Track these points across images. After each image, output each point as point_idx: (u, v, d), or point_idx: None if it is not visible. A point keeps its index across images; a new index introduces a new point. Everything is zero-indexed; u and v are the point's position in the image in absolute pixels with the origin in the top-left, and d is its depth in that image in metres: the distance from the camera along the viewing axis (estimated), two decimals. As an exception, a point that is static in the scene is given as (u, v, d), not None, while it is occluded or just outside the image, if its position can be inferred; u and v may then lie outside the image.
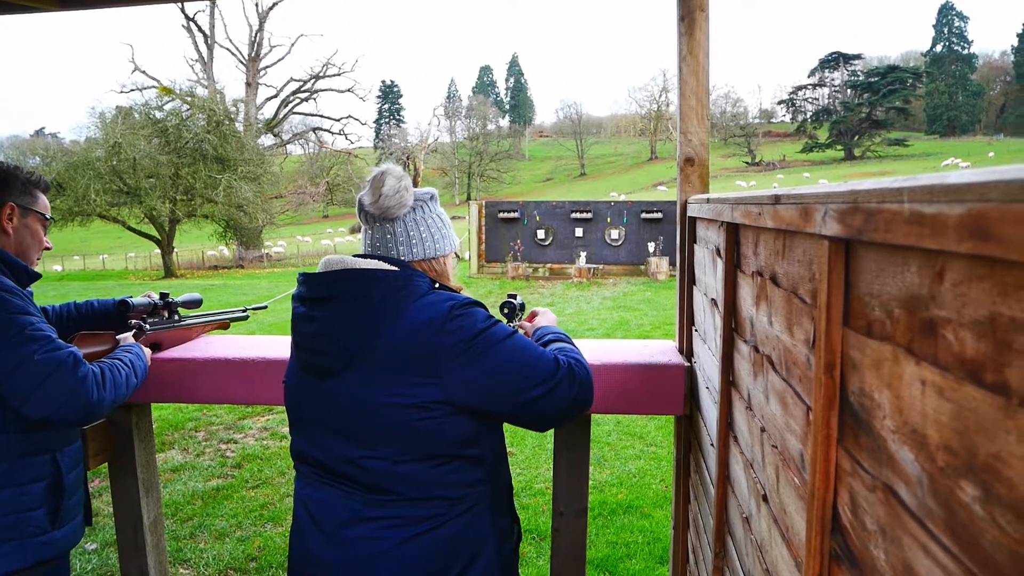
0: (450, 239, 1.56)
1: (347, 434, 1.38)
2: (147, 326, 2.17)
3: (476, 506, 1.43)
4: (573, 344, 1.66)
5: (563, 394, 1.43)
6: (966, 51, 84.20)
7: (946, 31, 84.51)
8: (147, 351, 2.07)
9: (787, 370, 1.07)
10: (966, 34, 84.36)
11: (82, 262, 40.26)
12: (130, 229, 29.67)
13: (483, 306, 1.44)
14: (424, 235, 1.50)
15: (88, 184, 26.26)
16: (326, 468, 1.42)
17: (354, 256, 1.46)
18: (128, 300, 2.12)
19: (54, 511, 1.81)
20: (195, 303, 2.35)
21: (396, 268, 1.42)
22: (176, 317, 2.30)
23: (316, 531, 1.42)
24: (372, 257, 1.46)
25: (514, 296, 2.14)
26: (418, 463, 1.36)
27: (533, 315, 1.97)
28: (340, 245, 42.04)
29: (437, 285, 1.47)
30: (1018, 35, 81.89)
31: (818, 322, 0.86)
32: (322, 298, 1.41)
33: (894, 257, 0.68)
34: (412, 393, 1.33)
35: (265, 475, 4.79)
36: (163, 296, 2.24)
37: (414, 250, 1.49)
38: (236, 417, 6.16)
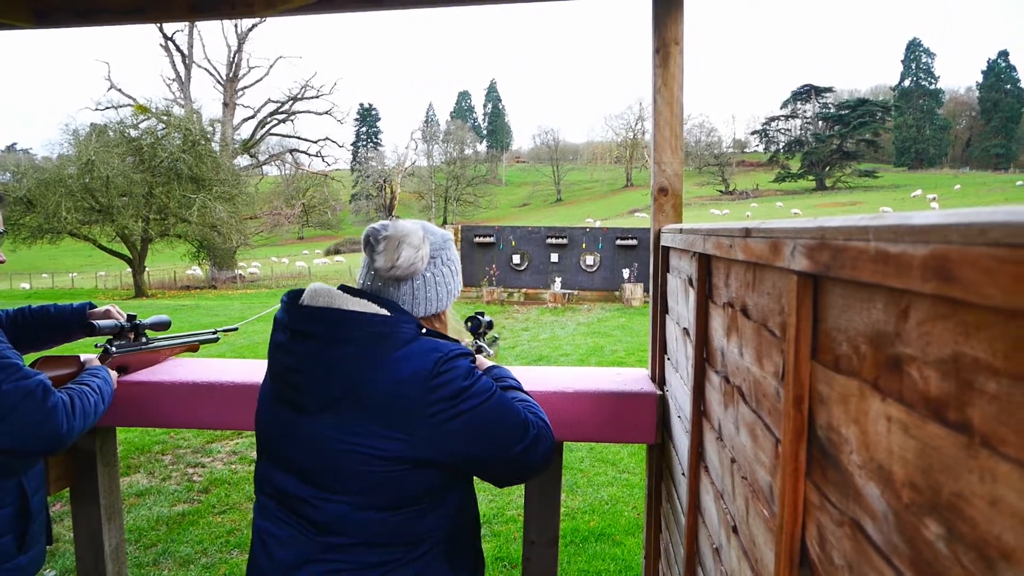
0: (453, 291, 1.54)
1: (308, 473, 1.34)
2: (113, 349, 2.12)
3: (432, 551, 1.37)
4: (527, 393, 1.62)
5: (527, 460, 1.42)
6: (933, 86, 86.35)
7: (914, 67, 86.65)
8: (113, 374, 2.03)
9: (757, 402, 1.07)
10: (933, 70, 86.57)
11: (51, 280, 39.64)
12: (101, 248, 29.31)
13: (470, 354, 1.40)
14: (429, 295, 1.48)
15: (59, 201, 25.94)
16: (282, 502, 1.38)
17: (345, 289, 1.42)
18: (94, 323, 2.06)
19: (21, 536, 1.76)
20: (163, 325, 2.30)
21: (385, 312, 1.36)
22: (143, 340, 2.26)
23: (271, 568, 1.36)
24: (364, 296, 1.42)
25: (481, 314, 2.14)
26: (376, 511, 1.31)
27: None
28: (315, 267, 41.78)
29: (424, 331, 1.40)
30: (983, 72, 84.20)
31: (787, 355, 0.87)
32: (302, 332, 1.35)
33: (861, 294, 0.68)
34: (381, 447, 1.28)
35: (233, 500, 4.70)
36: (130, 318, 2.19)
37: (416, 309, 1.46)
38: (204, 440, 6.06)
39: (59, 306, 2.09)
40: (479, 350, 2.02)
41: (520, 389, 1.62)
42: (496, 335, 2.18)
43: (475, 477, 1.49)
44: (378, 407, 1.28)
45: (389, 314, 1.35)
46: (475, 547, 1.55)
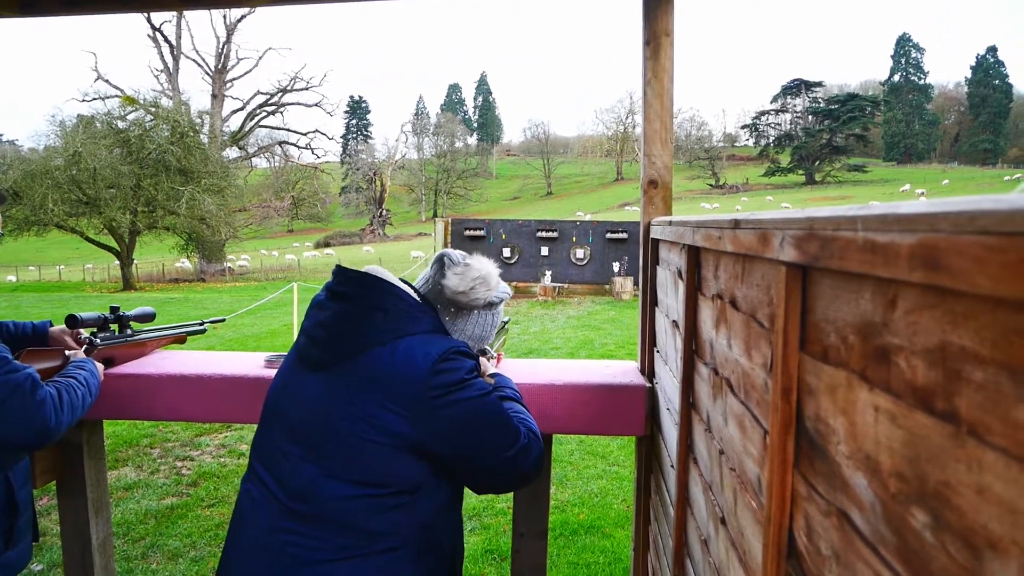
0: (486, 337, 1.65)
1: (299, 430, 1.39)
2: (98, 341, 2.10)
3: (399, 551, 1.35)
4: (524, 405, 1.66)
5: (516, 466, 1.45)
6: (922, 81, 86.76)
7: (903, 61, 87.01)
8: (99, 367, 2.01)
9: (745, 393, 1.07)
10: (922, 65, 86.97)
11: (38, 272, 39.35)
12: (88, 240, 29.08)
13: (476, 358, 1.48)
14: (466, 331, 1.59)
15: (46, 193, 25.71)
16: (266, 461, 1.43)
17: (400, 278, 1.52)
18: (76, 315, 2.04)
19: (7, 531, 1.75)
20: (147, 317, 2.28)
21: (421, 302, 1.48)
22: (128, 331, 2.24)
23: (242, 527, 1.41)
24: (414, 288, 1.54)
25: None
26: (344, 483, 1.33)
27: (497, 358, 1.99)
28: (305, 260, 41.65)
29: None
30: (971, 67, 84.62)
31: (775, 347, 0.86)
32: (341, 293, 1.45)
33: (849, 284, 0.68)
34: (380, 416, 1.33)
35: (222, 493, 4.68)
36: (113, 310, 2.17)
37: (454, 336, 1.56)
38: (193, 434, 6.03)
39: (18, 323, 2.05)
40: (482, 352, 2.01)
41: (519, 401, 1.66)
42: (506, 319, 2.15)
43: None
44: (384, 377, 1.35)
45: (424, 305, 1.49)
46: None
